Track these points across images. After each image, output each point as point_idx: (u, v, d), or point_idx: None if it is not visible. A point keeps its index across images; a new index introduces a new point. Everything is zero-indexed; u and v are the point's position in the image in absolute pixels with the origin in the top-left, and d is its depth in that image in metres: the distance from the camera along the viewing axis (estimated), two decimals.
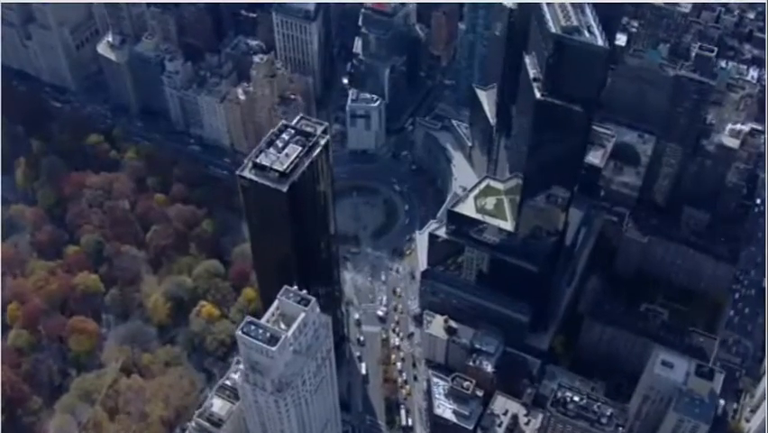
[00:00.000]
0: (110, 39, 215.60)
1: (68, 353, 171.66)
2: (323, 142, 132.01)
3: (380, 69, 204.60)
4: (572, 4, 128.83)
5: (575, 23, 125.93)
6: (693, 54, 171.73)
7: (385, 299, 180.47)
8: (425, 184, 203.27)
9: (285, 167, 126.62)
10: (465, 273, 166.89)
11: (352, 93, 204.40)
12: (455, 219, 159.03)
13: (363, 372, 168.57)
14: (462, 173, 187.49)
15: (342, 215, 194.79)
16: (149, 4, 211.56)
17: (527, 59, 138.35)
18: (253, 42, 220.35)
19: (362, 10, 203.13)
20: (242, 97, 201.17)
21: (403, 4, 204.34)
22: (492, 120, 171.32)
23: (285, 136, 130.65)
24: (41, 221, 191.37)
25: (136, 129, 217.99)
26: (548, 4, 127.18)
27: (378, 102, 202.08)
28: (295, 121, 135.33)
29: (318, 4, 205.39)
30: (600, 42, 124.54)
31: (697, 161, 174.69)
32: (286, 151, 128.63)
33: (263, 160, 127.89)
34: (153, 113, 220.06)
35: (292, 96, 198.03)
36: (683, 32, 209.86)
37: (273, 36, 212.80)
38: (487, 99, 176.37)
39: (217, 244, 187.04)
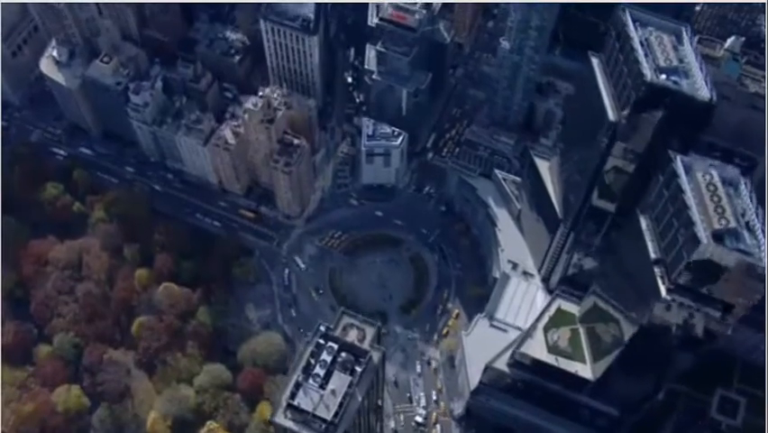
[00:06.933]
0: (54, 53, 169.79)
1: None
2: (377, 358, 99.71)
3: (400, 91, 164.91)
4: (723, 179, 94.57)
5: (732, 222, 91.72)
6: None
7: (423, 398, 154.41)
8: (459, 232, 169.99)
9: (333, 413, 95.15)
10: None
11: (366, 126, 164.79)
12: (522, 359, 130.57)
13: None
14: (511, 244, 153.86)
15: (362, 281, 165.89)
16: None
17: (643, 223, 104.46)
18: (233, 36, 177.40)
19: (376, 21, 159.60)
20: (231, 142, 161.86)
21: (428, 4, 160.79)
22: (560, 211, 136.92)
23: (325, 357, 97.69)
24: (3, 314, 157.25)
25: (100, 161, 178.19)
26: (694, 195, 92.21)
27: (401, 139, 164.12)
28: (335, 323, 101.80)
29: (318, 7, 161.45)
30: (764, 258, 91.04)
31: None
32: (331, 386, 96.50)
33: (302, 401, 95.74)
34: (118, 137, 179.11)
35: (295, 142, 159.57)
36: (758, 14, 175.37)
37: (257, 27, 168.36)
38: (550, 176, 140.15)
39: (219, 337, 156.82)
